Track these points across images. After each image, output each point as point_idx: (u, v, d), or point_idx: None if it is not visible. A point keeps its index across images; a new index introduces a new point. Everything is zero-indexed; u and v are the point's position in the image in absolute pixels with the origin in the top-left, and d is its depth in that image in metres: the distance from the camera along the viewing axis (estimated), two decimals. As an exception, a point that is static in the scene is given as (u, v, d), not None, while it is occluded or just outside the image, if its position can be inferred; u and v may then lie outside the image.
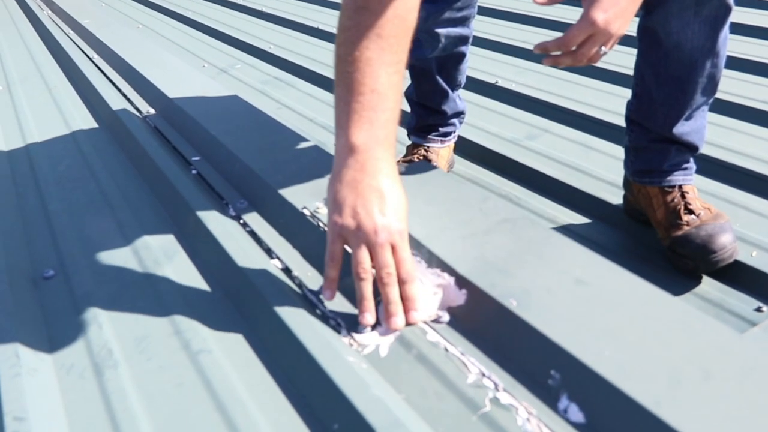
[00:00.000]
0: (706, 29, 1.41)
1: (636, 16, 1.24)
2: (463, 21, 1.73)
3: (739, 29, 2.79)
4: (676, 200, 1.54)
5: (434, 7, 1.64)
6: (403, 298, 1.05)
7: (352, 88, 1.07)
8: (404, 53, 1.09)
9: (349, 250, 1.07)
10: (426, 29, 1.72)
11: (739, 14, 2.98)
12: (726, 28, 1.43)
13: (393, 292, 1.05)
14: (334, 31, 3.47)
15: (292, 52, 3.47)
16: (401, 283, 1.05)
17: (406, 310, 1.05)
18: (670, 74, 1.47)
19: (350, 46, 1.08)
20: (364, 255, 1.04)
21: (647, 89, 1.52)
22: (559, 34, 1.21)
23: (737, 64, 2.49)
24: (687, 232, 1.49)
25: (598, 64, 2.58)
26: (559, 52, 1.24)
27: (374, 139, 1.07)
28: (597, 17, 1.17)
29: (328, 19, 3.98)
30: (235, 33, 3.95)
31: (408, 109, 2.00)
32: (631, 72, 1.59)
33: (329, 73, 3.04)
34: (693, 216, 1.51)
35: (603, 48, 1.22)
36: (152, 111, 2.24)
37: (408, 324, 1.05)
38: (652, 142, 1.55)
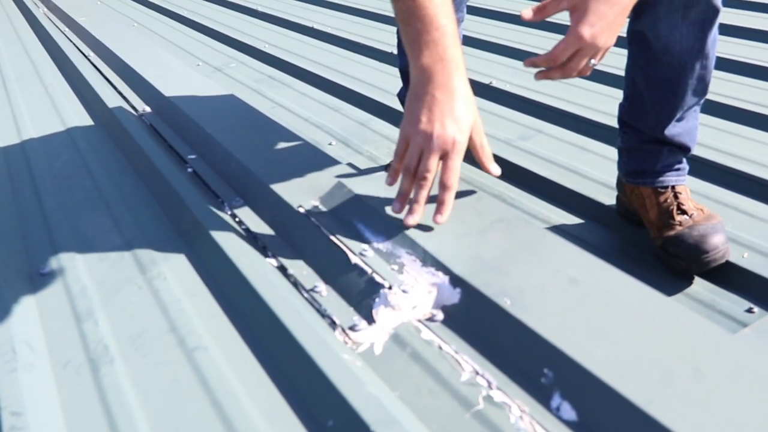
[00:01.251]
0: (694, 32, 1.42)
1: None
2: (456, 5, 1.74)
3: (731, 31, 2.81)
4: (668, 201, 1.54)
5: None
6: (438, 201, 1.20)
7: (406, 20, 1.19)
8: None
9: None
10: None
11: (731, 16, 2.99)
12: (715, 29, 1.44)
13: (422, 194, 1.20)
14: (329, 30, 3.46)
15: (287, 51, 3.47)
16: (441, 187, 1.19)
17: (435, 212, 1.20)
18: (660, 77, 1.48)
19: None
20: (416, 157, 1.19)
21: (638, 92, 1.53)
22: (553, 35, 1.23)
23: (729, 66, 2.50)
24: (679, 232, 1.50)
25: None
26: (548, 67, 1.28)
27: (437, 57, 1.18)
28: (584, 32, 1.19)
29: (324, 19, 3.99)
30: (231, 32, 3.95)
31: (400, 108, 2.01)
32: (624, 74, 1.59)
33: (324, 72, 3.06)
34: (686, 216, 1.52)
35: (592, 61, 1.24)
36: (148, 109, 2.25)
37: (435, 222, 1.20)
38: (644, 143, 1.56)
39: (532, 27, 3.23)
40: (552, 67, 1.26)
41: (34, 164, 2.00)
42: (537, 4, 1.27)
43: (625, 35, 1.51)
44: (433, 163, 1.18)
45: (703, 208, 1.55)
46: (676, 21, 1.40)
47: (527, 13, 1.26)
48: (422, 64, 1.18)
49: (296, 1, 4.57)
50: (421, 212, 1.21)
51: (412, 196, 1.22)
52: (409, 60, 1.22)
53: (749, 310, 1.40)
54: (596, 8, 1.18)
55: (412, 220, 1.21)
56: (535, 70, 1.30)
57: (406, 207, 1.23)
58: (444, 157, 1.18)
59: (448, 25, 1.18)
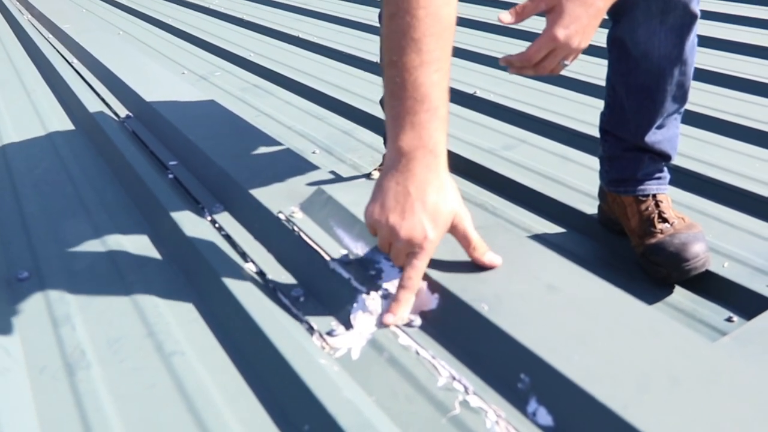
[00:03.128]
0: (672, 37, 1.43)
1: (604, 27, 1.27)
2: None
3: (712, 43, 2.83)
4: (650, 209, 1.55)
5: None
6: (394, 299, 1.08)
7: (394, 93, 1.07)
8: (443, 50, 1.07)
9: None
10: None
11: (711, 28, 3.01)
12: (693, 35, 1.45)
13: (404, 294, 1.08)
14: (314, 40, 3.46)
15: (272, 60, 3.47)
16: (400, 286, 1.07)
17: (387, 310, 1.08)
18: (639, 83, 1.49)
19: (389, 53, 1.07)
20: (386, 247, 1.09)
21: (618, 99, 1.54)
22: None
23: (711, 77, 2.52)
24: (660, 240, 1.50)
25: (576, 76, 2.61)
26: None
27: (418, 142, 1.06)
28: (558, 34, 1.20)
29: (309, 28, 3.99)
30: (216, 40, 3.95)
31: (383, 116, 2.01)
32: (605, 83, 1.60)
33: (308, 81, 3.06)
34: (667, 224, 1.52)
35: (565, 61, 1.25)
36: (130, 115, 2.24)
37: (383, 322, 1.07)
38: (625, 151, 1.56)
39: (515, 37, 3.24)
40: (525, 65, 1.27)
41: (15, 170, 1.99)
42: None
43: (604, 44, 1.52)
44: (401, 260, 1.08)
45: (684, 217, 1.55)
46: (654, 27, 1.41)
47: (506, 17, 1.25)
48: (401, 146, 1.06)
49: (282, 11, 4.58)
50: (403, 310, 1.08)
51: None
52: (387, 134, 1.10)
53: (729, 319, 1.41)
54: (572, 10, 1.19)
55: (389, 320, 1.07)
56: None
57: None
58: (410, 255, 1.06)
59: (440, 108, 1.07)
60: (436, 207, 1.06)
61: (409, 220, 1.04)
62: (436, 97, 1.06)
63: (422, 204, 1.05)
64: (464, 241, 1.10)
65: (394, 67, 1.06)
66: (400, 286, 1.07)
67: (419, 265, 1.07)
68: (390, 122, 1.09)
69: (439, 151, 1.07)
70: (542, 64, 1.25)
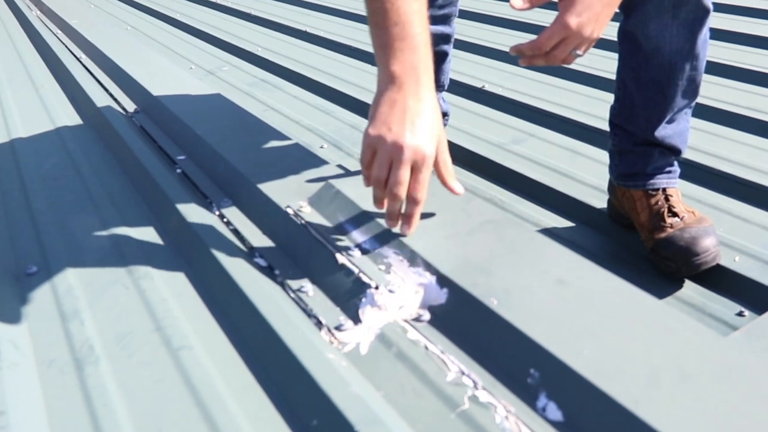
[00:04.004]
0: (684, 32, 1.41)
1: (615, 20, 1.25)
2: (445, 19, 1.73)
3: (722, 35, 2.81)
4: (659, 203, 1.54)
5: None
6: (406, 215, 1.16)
7: (380, 23, 1.14)
8: None
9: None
10: None
11: (724, 21, 3.00)
12: (705, 30, 1.43)
13: (395, 206, 1.15)
14: (321, 34, 3.46)
15: (279, 54, 3.47)
16: (410, 201, 1.14)
17: (402, 225, 1.17)
18: (650, 78, 1.48)
19: None
20: (386, 168, 1.12)
21: (629, 93, 1.53)
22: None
23: (722, 70, 2.51)
24: (670, 234, 1.49)
25: (586, 70, 2.60)
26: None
27: (409, 65, 1.13)
28: (570, 21, 1.18)
29: (316, 22, 3.99)
30: (223, 35, 3.95)
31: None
32: (615, 76, 1.59)
33: (316, 75, 3.06)
34: (677, 218, 1.51)
35: (577, 51, 1.23)
36: (138, 110, 2.24)
37: (403, 233, 1.17)
38: (635, 145, 1.55)
39: (526, 31, 3.23)
40: (537, 54, 1.25)
41: (23, 165, 1.99)
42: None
43: (615, 38, 1.51)
44: (405, 175, 1.11)
45: (694, 211, 1.54)
46: (666, 21, 1.40)
47: (518, 2, 1.24)
48: (393, 70, 1.14)
49: (289, 5, 4.57)
50: (396, 222, 1.18)
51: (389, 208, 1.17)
52: (377, 64, 1.17)
53: (740, 314, 1.40)
54: None
55: (407, 231, 1.17)
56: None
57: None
58: (414, 169, 1.12)
59: (423, 34, 1.14)
60: (430, 125, 1.13)
61: (413, 134, 1.11)
62: (418, 23, 1.14)
63: (421, 121, 1.12)
64: (441, 164, 1.17)
65: (376, 0, 1.13)
66: (411, 202, 1.14)
67: (423, 179, 1.13)
68: (378, 51, 1.17)
69: (429, 73, 1.15)
70: (553, 53, 1.23)
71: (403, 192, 1.12)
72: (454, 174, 1.18)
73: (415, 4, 1.13)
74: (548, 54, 1.24)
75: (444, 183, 1.17)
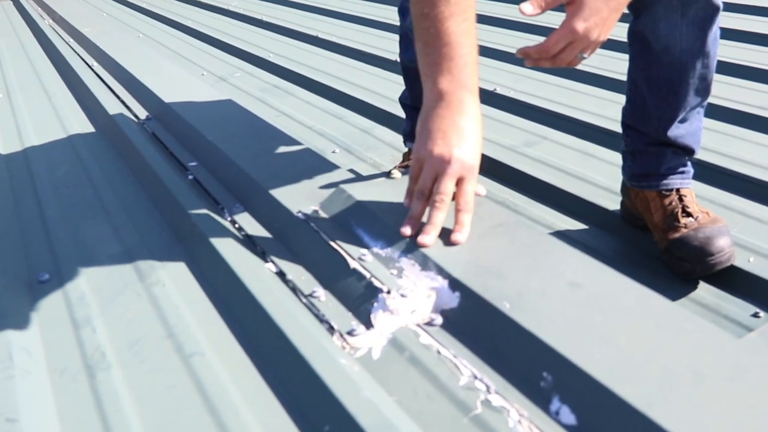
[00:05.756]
0: (694, 30, 1.41)
1: (625, 21, 1.25)
2: None
3: (734, 35, 2.80)
4: (673, 203, 1.53)
5: None
6: (458, 222, 1.18)
7: (429, 42, 1.19)
8: (468, 1, 1.19)
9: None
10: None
11: (736, 20, 2.99)
12: (715, 28, 1.43)
13: (438, 216, 1.17)
14: (332, 39, 3.46)
15: (291, 60, 3.47)
16: (459, 210, 1.18)
17: (455, 232, 1.18)
18: (661, 77, 1.47)
19: (421, 5, 1.18)
20: (431, 180, 1.17)
21: (640, 93, 1.52)
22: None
23: (734, 70, 2.50)
24: (685, 234, 1.48)
25: (596, 71, 2.59)
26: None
27: (457, 83, 1.18)
28: (578, 26, 1.19)
29: (328, 28, 3.99)
30: (235, 42, 3.96)
31: (403, 114, 2.01)
32: (626, 77, 1.58)
33: (328, 80, 3.06)
34: (691, 219, 1.51)
35: (583, 54, 1.23)
36: (150, 116, 2.24)
37: (451, 243, 1.17)
38: (648, 145, 1.55)
39: (537, 34, 3.23)
40: (543, 57, 1.25)
41: (36, 172, 2.00)
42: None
43: (625, 39, 1.51)
44: (450, 187, 1.16)
45: (708, 212, 1.54)
46: (676, 20, 1.39)
47: (527, 8, 1.23)
48: (441, 88, 1.18)
49: (300, 11, 4.58)
50: (437, 233, 1.18)
51: (424, 218, 1.20)
52: (424, 81, 1.21)
53: (755, 315, 1.39)
54: (592, 3, 1.18)
55: (428, 240, 1.17)
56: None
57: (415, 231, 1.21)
58: (460, 180, 1.17)
59: (471, 53, 1.19)
60: (478, 138, 1.19)
61: (460, 148, 1.16)
62: (467, 43, 1.18)
63: (468, 136, 1.17)
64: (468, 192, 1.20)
65: (426, 19, 1.17)
66: (460, 210, 1.18)
67: (469, 190, 1.18)
68: (426, 69, 1.21)
69: (476, 91, 1.20)
70: (560, 56, 1.23)
71: (447, 201, 1.17)
72: (471, 212, 1.19)
73: (464, 24, 1.18)
74: (554, 57, 1.24)
75: (456, 215, 1.19)
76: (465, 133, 1.17)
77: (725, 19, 1.45)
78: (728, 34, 2.69)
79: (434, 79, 1.19)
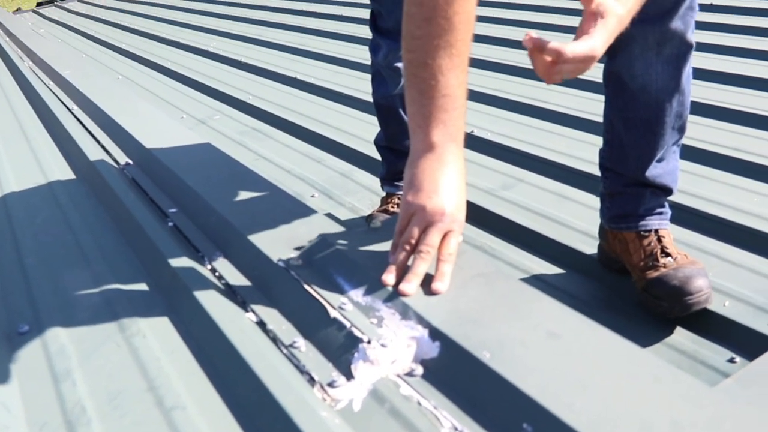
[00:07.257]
0: (669, 69, 1.43)
1: (600, 61, 1.22)
2: None
3: (708, 76, 2.84)
4: (652, 244, 1.55)
5: (395, 42, 1.62)
6: (439, 272, 1.18)
7: (426, 92, 1.18)
8: (468, 50, 1.19)
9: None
10: (387, 65, 1.75)
11: (707, 61, 3.02)
12: (688, 65, 1.45)
13: (422, 267, 1.17)
14: (312, 81, 3.46)
15: (270, 102, 3.49)
16: (441, 261, 1.18)
17: (435, 281, 1.17)
18: (638, 117, 1.49)
19: (422, 54, 1.17)
20: (419, 231, 1.17)
21: (617, 134, 1.55)
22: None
23: (707, 110, 2.52)
24: (663, 274, 1.49)
25: (572, 113, 2.61)
26: None
27: (448, 136, 1.19)
28: (600, 51, 1.13)
29: (307, 69, 4.01)
30: (214, 83, 3.97)
31: (379, 157, 2.02)
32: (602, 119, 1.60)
33: (307, 123, 3.07)
34: (670, 258, 1.52)
35: (567, 75, 1.17)
36: (130, 162, 2.25)
37: (432, 293, 1.16)
38: (626, 186, 1.57)
39: (515, 75, 3.25)
40: (546, 58, 1.13)
41: (15, 220, 2.00)
42: (519, 40, 1.25)
43: (600, 79, 1.53)
44: (437, 239, 1.17)
45: (686, 254, 1.55)
46: (651, 59, 1.42)
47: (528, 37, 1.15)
48: (433, 140, 1.18)
49: (280, 53, 4.60)
50: (418, 283, 1.17)
51: (409, 267, 1.19)
52: (413, 129, 1.21)
53: (731, 360, 1.40)
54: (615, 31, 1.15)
55: (410, 289, 1.16)
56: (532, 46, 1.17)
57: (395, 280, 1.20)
58: (446, 233, 1.18)
59: (464, 105, 1.20)
60: (464, 190, 1.21)
61: (452, 202, 1.18)
62: (461, 96, 1.19)
63: (457, 190, 1.19)
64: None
65: (425, 69, 1.16)
66: (442, 261, 1.18)
67: (455, 243, 1.19)
68: (419, 118, 1.20)
69: (461, 142, 1.22)
70: (566, 68, 1.15)
71: (432, 255, 1.17)
72: (453, 263, 1.20)
73: (462, 76, 1.18)
74: (552, 65, 1.14)
75: (438, 265, 1.19)
76: (454, 186, 1.18)
77: (697, 59, 1.47)
78: (702, 74, 2.74)
79: (426, 131, 1.19)
